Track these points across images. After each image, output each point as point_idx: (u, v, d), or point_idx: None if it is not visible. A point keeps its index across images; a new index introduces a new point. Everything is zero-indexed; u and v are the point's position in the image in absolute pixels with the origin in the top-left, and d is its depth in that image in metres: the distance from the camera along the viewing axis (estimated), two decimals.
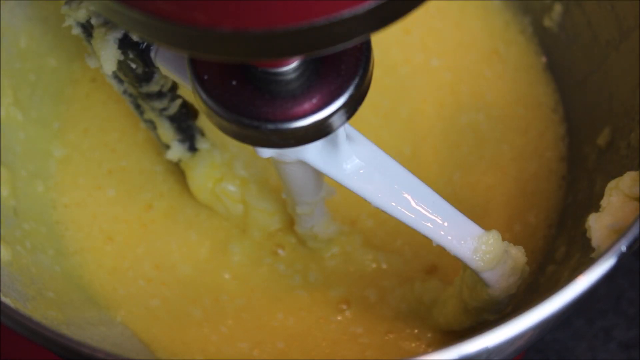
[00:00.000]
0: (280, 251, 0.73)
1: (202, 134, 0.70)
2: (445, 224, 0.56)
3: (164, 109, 0.66)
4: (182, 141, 0.70)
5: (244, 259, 0.73)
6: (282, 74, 0.46)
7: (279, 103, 0.47)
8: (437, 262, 0.72)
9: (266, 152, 0.52)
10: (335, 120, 0.48)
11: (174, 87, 0.64)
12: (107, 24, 0.57)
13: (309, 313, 0.71)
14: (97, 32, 0.58)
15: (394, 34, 0.79)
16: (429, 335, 0.70)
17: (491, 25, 0.80)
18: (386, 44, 0.79)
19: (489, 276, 0.57)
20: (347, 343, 0.70)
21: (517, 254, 0.58)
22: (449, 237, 0.56)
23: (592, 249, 0.54)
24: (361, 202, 0.57)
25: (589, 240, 0.54)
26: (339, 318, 0.71)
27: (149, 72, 0.61)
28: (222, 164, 0.72)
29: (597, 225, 0.54)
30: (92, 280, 0.72)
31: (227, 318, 0.71)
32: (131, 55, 0.58)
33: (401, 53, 0.79)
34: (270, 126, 0.47)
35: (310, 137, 0.48)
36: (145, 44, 0.57)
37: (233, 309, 0.71)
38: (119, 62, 0.59)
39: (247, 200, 0.72)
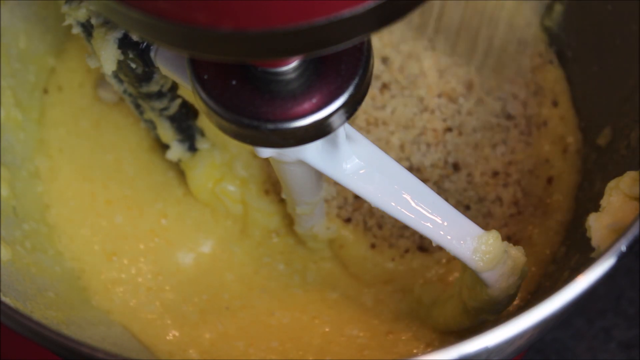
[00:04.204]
0: (278, 250, 0.73)
1: (202, 134, 0.70)
2: (445, 223, 0.56)
3: (164, 109, 0.66)
4: (182, 141, 0.70)
5: (244, 258, 0.73)
6: (282, 73, 0.46)
7: (279, 103, 0.47)
8: None
9: (266, 152, 0.52)
10: (335, 120, 0.48)
11: (174, 87, 0.64)
12: (107, 24, 0.57)
13: (305, 312, 0.71)
14: (97, 32, 0.58)
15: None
16: (428, 335, 0.70)
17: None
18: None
19: (488, 276, 0.57)
20: (345, 343, 0.70)
21: (517, 254, 0.58)
22: (449, 237, 0.56)
23: (592, 249, 0.54)
24: None
25: (589, 240, 0.54)
26: (337, 318, 0.71)
27: (149, 72, 0.61)
28: (222, 164, 0.72)
29: (597, 225, 0.54)
30: (92, 280, 0.72)
31: (224, 316, 0.71)
32: (131, 55, 0.58)
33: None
34: (270, 126, 0.47)
35: (310, 137, 0.48)
36: (145, 44, 0.57)
37: (230, 307, 0.71)
38: (119, 62, 0.59)
39: (247, 200, 0.72)
